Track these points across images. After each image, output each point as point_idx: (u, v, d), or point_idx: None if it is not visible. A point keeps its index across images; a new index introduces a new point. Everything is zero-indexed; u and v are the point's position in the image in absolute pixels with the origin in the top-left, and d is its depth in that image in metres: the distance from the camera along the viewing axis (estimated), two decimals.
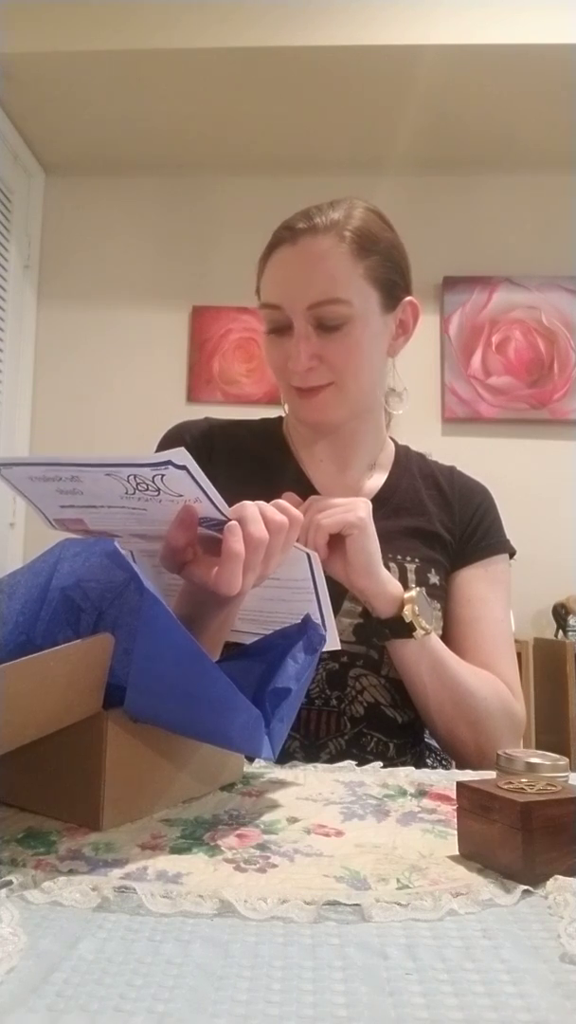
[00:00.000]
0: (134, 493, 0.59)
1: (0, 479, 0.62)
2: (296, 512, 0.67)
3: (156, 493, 0.59)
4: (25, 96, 2.56)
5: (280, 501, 0.67)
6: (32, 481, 0.61)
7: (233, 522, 0.61)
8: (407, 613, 0.80)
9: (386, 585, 0.81)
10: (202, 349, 2.86)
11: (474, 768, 0.83)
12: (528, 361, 2.79)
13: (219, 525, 0.62)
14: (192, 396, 2.84)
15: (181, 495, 0.59)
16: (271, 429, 1.05)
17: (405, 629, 0.81)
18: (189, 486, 0.58)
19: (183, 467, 0.56)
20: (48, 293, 2.94)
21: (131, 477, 0.57)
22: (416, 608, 0.81)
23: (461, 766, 0.87)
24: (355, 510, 0.79)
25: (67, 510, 0.64)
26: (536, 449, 2.76)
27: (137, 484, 0.58)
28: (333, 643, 0.75)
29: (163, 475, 0.57)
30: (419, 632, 0.81)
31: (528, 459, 2.73)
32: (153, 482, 0.57)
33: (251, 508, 0.63)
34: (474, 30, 2.28)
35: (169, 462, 0.55)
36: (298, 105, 2.55)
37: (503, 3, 2.26)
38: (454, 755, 0.88)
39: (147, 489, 0.58)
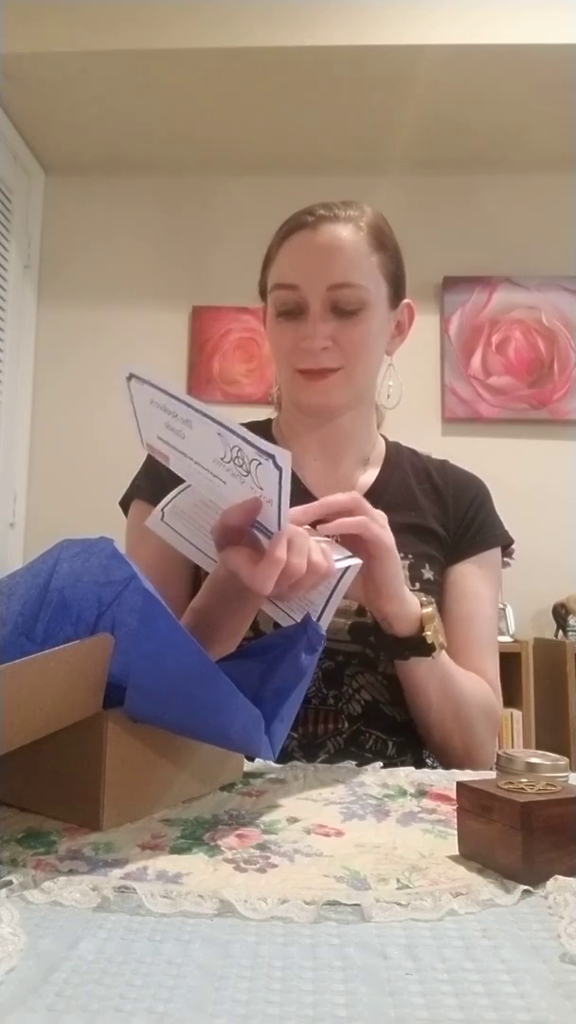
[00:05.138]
0: (229, 462, 0.61)
1: (126, 384, 0.64)
2: (336, 567, 0.66)
3: (245, 474, 0.60)
4: (25, 96, 2.56)
5: (327, 548, 0.66)
6: (151, 404, 0.64)
7: (283, 532, 0.62)
8: (429, 634, 0.78)
9: (409, 605, 0.78)
10: (202, 349, 2.86)
11: (459, 767, 0.84)
12: (528, 361, 2.79)
13: (268, 531, 0.63)
14: (192, 396, 2.83)
15: (261, 489, 0.60)
16: (259, 430, 1.04)
17: (426, 649, 0.79)
18: (272, 487, 0.59)
19: (279, 469, 0.57)
20: (48, 293, 2.93)
21: (236, 448, 0.59)
22: (436, 624, 0.79)
23: (447, 766, 0.87)
24: (386, 526, 0.73)
25: (162, 443, 0.66)
26: (536, 449, 2.76)
27: (235, 456, 0.60)
28: None
29: (260, 463, 0.58)
30: (438, 651, 0.79)
31: (528, 459, 2.72)
32: (249, 464, 0.59)
33: (301, 539, 0.64)
34: (474, 30, 2.28)
35: (273, 456, 0.57)
36: (298, 105, 2.55)
37: (503, 3, 2.26)
38: (443, 758, 0.88)
39: (241, 465, 0.60)
